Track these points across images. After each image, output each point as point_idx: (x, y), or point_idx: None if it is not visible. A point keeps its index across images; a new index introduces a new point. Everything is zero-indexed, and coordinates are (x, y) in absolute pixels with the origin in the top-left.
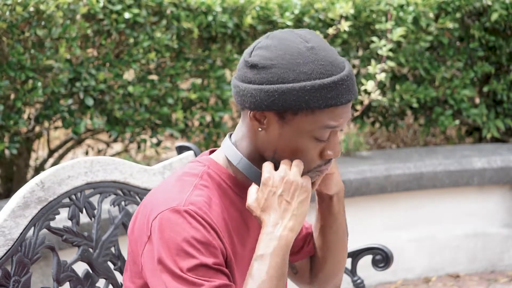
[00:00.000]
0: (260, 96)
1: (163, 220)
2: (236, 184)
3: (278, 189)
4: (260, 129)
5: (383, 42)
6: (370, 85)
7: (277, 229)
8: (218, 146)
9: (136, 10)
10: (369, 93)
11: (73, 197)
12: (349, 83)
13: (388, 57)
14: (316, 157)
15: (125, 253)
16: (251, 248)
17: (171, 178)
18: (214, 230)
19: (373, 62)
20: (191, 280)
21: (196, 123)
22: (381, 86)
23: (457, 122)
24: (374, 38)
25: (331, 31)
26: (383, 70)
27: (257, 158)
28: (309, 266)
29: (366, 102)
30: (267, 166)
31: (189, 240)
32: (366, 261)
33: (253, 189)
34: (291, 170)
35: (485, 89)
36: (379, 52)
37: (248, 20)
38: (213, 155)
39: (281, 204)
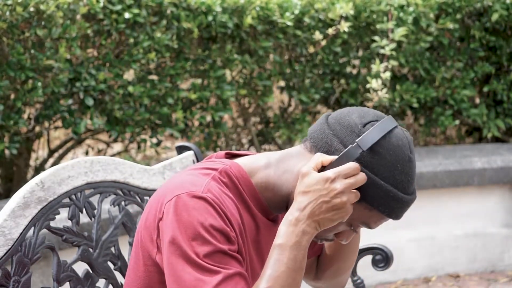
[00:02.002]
0: None
1: (180, 203)
2: (252, 194)
3: (327, 197)
4: None
5: (385, 41)
6: (376, 83)
7: (300, 224)
8: (218, 146)
9: (136, 10)
10: (376, 91)
11: (73, 197)
12: (410, 206)
13: (390, 56)
14: (333, 233)
15: (125, 253)
16: (261, 253)
17: (184, 171)
18: (230, 221)
19: (377, 60)
20: (208, 267)
21: (196, 123)
22: (384, 82)
23: (457, 122)
24: (376, 38)
25: (331, 31)
26: (386, 69)
27: (285, 197)
28: (315, 263)
29: (375, 99)
30: (343, 172)
31: (207, 226)
32: (366, 261)
33: (318, 159)
34: (350, 193)
35: (485, 89)
36: (382, 51)
37: (248, 20)
38: (240, 160)
39: (318, 209)
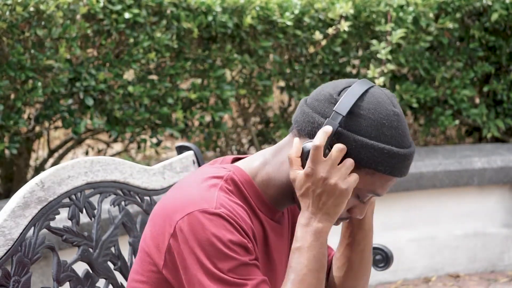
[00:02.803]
0: (334, 137)
1: (194, 221)
2: (257, 196)
3: (318, 189)
4: None
5: (382, 44)
6: None
7: (311, 222)
8: (218, 146)
9: (136, 10)
10: None
11: (73, 197)
12: (412, 160)
13: (388, 60)
14: (345, 210)
15: (125, 253)
16: (270, 256)
17: (190, 179)
18: (246, 233)
19: (372, 66)
20: (234, 282)
21: (196, 123)
22: (381, 86)
23: (457, 122)
24: (374, 41)
25: (331, 31)
26: (382, 74)
27: (287, 187)
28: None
29: None
30: (314, 160)
31: (226, 242)
32: None
33: (294, 158)
34: (337, 171)
35: (485, 89)
36: (379, 55)
37: (248, 20)
38: (240, 162)
39: (318, 202)
